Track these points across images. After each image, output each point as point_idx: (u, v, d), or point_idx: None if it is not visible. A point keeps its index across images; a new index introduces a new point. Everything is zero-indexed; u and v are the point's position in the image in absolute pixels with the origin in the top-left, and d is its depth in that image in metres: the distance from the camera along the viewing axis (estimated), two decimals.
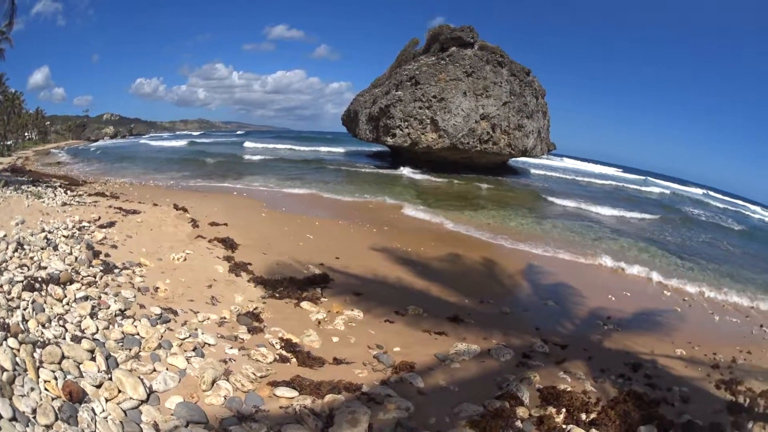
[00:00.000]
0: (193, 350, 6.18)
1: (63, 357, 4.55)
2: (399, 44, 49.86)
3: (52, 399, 4.00)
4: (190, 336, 6.50)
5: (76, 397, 4.15)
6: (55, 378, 4.20)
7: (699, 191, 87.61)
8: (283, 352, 7.48)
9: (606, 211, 33.33)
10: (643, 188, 61.47)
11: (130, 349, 5.50)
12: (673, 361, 11.34)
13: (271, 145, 60.87)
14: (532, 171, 58.79)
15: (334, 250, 14.43)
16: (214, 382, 5.60)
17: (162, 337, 6.13)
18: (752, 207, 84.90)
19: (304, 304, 9.87)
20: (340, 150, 59.94)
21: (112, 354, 5.20)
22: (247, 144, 59.36)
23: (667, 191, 63.58)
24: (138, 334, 5.98)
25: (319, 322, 9.22)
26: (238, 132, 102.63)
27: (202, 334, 6.74)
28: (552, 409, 7.24)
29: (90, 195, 18.31)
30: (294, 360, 7.36)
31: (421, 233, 19.57)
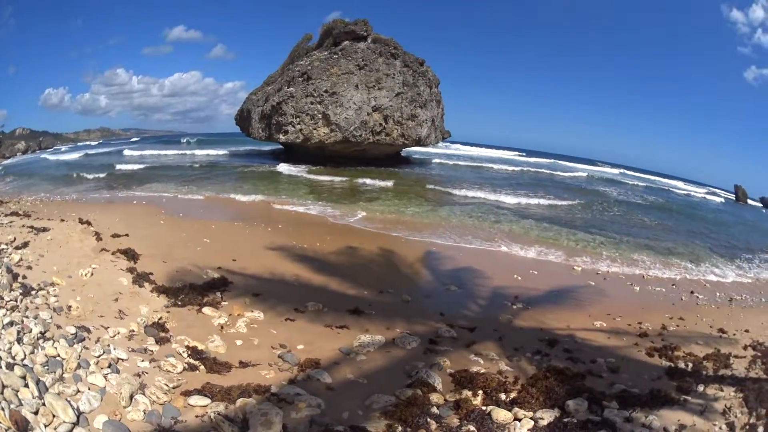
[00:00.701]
0: (109, 367, 6.27)
1: (3, 386, 4.70)
2: (295, 41, 49.39)
3: (5, 430, 4.21)
4: (104, 353, 6.65)
5: (21, 425, 4.38)
6: (2, 408, 4.38)
7: (615, 171, 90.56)
8: (191, 360, 7.53)
9: (508, 197, 34.33)
10: (551, 171, 63.11)
11: (55, 372, 5.64)
12: (594, 334, 11.60)
13: (163, 152, 57.61)
14: (429, 160, 59.68)
15: (231, 252, 14.62)
16: (131, 397, 5.73)
17: (80, 356, 6.28)
18: (672, 182, 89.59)
19: (206, 310, 9.94)
20: (234, 150, 58.53)
21: (41, 378, 5.34)
22: (128, 152, 55.33)
23: (582, 173, 65.91)
24: (59, 355, 6.09)
25: (222, 327, 9.29)
26: (134, 139, 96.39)
27: (115, 349, 6.90)
28: (468, 393, 7.33)
29: (6, 215, 17.59)
30: (202, 367, 7.42)
31: (316, 228, 20.09)
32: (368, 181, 36.10)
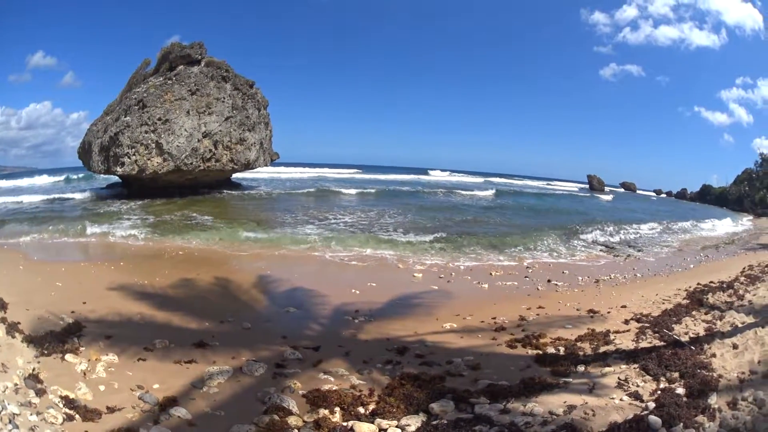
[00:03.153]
0: (9, 423, 6.32)
1: None
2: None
3: None
4: (2, 409, 6.58)
5: None
6: None
7: (478, 179, 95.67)
8: (67, 410, 7.27)
9: (343, 215, 34.45)
10: (393, 187, 64.36)
11: None
12: (445, 336, 11.69)
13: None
14: (259, 185, 58.77)
15: (80, 295, 14.11)
16: None
17: None
18: (530, 183, 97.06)
19: (68, 357, 9.44)
20: (78, 188, 52.79)
21: None
22: None
23: (423, 188, 66.78)
24: None
25: (85, 373, 9.02)
26: None
27: (9, 405, 6.82)
28: (325, 411, 7.30)
29: None
30: (78, 416, 7.17)
31: (153, 262, 20.13)
32: (200, 209, 35.45)
